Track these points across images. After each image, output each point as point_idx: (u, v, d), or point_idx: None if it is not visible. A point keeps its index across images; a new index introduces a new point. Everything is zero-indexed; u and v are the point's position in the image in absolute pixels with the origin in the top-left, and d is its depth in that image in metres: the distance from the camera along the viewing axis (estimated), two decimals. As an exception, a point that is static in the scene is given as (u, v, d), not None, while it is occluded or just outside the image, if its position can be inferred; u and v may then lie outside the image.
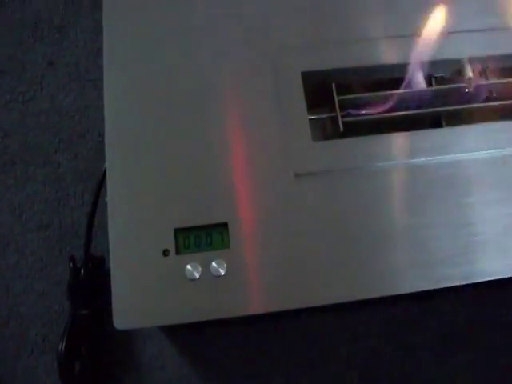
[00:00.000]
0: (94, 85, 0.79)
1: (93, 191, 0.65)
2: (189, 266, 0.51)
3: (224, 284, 0.51)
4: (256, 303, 0.52)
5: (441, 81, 0.61)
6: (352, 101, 0.58)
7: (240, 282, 0.51)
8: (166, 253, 0.52)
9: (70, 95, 0.79)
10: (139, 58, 0.58)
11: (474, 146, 0.56)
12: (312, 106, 0.58)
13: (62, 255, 0.71)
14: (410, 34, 0.59)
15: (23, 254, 0.71)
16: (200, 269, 0.51)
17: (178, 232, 0.52)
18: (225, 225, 0.53)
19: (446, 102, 0.59)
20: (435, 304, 0.70)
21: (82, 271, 0.65)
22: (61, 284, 0.69)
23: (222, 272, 0.51)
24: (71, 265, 0.65)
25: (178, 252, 0.52)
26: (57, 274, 0.70)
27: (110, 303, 0.51)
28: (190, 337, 0.68)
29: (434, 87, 0.60)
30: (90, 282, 0.65)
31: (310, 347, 0.68)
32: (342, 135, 0.57)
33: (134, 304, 0.51)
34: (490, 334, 0.69)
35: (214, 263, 0.51)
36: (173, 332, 0.68)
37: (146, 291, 0.51)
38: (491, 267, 0.53)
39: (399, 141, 0.56)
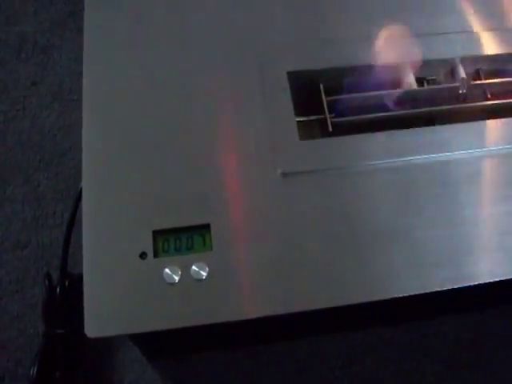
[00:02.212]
0: (76, 104, 0.77)
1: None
2: (167, 270, 0.47)
3: (205, 288, 0.47)
4: (239, 309, 0.48)
5: (433, 83, 0.59)
6: (341, 101, 0.56)
7: (223, 286, 0.48)
8: (143, 256, 0.48)
9: (52, 115, 0.77)
10: (118, 65, 0.56)
11: (465, 145, 0.53)
12: (304, 111, 0.56)
13: (39, 276, 0.67)
14: (399, 34, 0.58)
15: (-3, 275, 0.68)
16: (180, 272, 0.47)
17: (156, 234, 0.49)
18: (207, 226, 0.49)
19: (439, 103, 0.57)
20: (436, 325, 0.66)
21: (58, 289, 0.61)
22: (36, 306, 0.65)
23: (204, 275, 0.47)
24: (46, 282, 0.62)
25: (156, 255, 0.48)
26: (33, 296, 0.67)
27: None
28: (174, 362, 0.63)
29: (427, 87, 0.58)
30: (67, 300, 0.61)
31: (303, 372, 0.63)
32: (331, 136, 0.54)
33: (107, 310, 0.47)
34: (495, 355, 0.64)
35: (194, 266, 0.48)
36: (155, 356, 0.63)
37: (120, 296, 0.47)
38: (489, 268, 0.49)
39: (389, 139, 0.54)
